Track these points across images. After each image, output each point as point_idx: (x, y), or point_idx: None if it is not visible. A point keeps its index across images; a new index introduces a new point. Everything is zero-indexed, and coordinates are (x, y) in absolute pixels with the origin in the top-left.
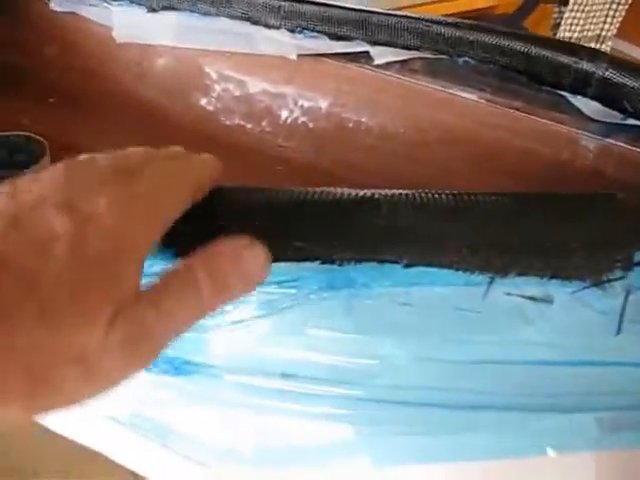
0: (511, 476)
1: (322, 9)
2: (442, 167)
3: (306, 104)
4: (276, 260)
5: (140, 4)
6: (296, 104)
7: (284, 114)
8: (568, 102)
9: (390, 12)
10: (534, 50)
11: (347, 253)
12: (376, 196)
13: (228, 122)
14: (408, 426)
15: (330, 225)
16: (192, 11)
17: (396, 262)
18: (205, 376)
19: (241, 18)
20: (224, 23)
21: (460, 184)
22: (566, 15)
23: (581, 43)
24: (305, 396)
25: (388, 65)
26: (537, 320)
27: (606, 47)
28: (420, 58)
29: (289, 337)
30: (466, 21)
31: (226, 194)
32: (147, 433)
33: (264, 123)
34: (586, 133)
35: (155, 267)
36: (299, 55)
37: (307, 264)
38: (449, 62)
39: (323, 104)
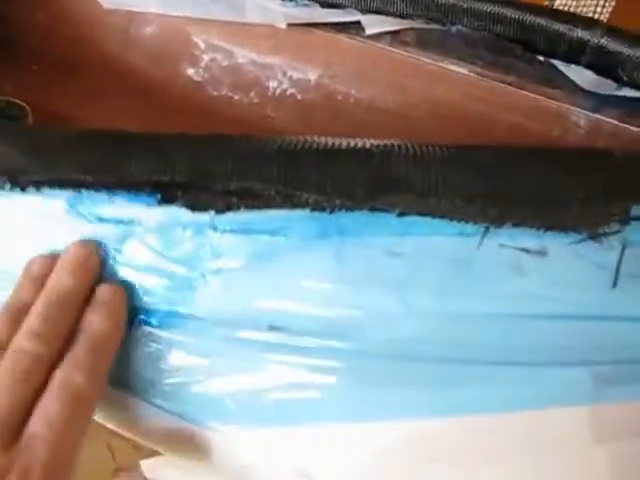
0: (504, 430)
1: None
2: (431, 141)
3: (295, 75)
4: (265, 207)
5: None
6: (285, 75)
7: (272, 85)
8: (561, 76)
9: None
10: (529, 18)
11: (338, 200)
12: (369, 146)
13: (216, 93)
14: (399, 380)
15: (321, 172)
16: None
17: (389, 211)
18: (190, 328)
19: None
20: None
21: None
22: (557, 2)
23: None
24: (294, 349)
25: (379, 37)
26: (532, 272)
27: None
28: (412, 29)
29: (277, 287)
30: None
31: (216, 141)
32: (128, 387)
33: (252, 94)
34: (578, 109)
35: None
36: (288, 24)
37: (297, 211)
38: (441, 34)
39: (312, 75)
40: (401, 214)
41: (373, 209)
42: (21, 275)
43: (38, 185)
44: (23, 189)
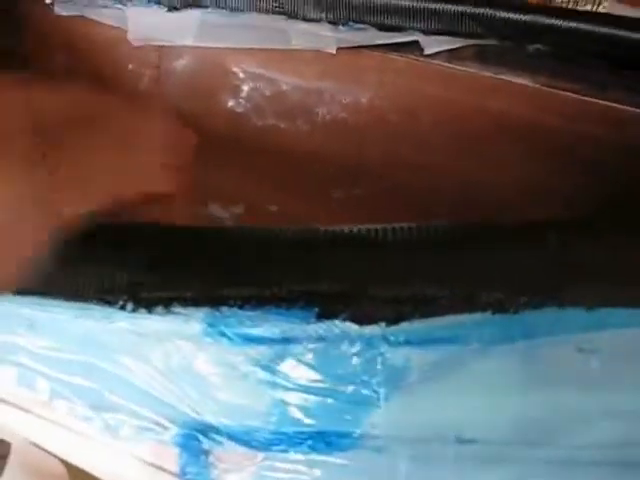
0: None
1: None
2: (498, 159)
3: (345, 99)
4: (442, 313)
5: (159, 3)
6: (334, 99)
7: (321, 111)
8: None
9: None
10: (620, 33)
11: (522, 298)
12: (539, 229)
13: (260, 123)
14: None
15: (501, 267)
16: (219, 7)
17: (577, 305)
18: (366, 449)
19: (274, 12)
20: (253, 18)
21: (518, 174)
22: None
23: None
24: (486, 461)
25: (434, 54)
26: None
27: (602, 9)
28: (472, 45)
29: (462, 397)
30: (535, 3)
31: (373, 239)
32: None
33: (299, 122)
34: None
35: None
36: (338, 48)
37: (477, 315)
38: (500, 47)
39: (364, 98)
40: (591, 308)
41: (561, 305)
42: None
43: (167, 303)
44: (149, 309)
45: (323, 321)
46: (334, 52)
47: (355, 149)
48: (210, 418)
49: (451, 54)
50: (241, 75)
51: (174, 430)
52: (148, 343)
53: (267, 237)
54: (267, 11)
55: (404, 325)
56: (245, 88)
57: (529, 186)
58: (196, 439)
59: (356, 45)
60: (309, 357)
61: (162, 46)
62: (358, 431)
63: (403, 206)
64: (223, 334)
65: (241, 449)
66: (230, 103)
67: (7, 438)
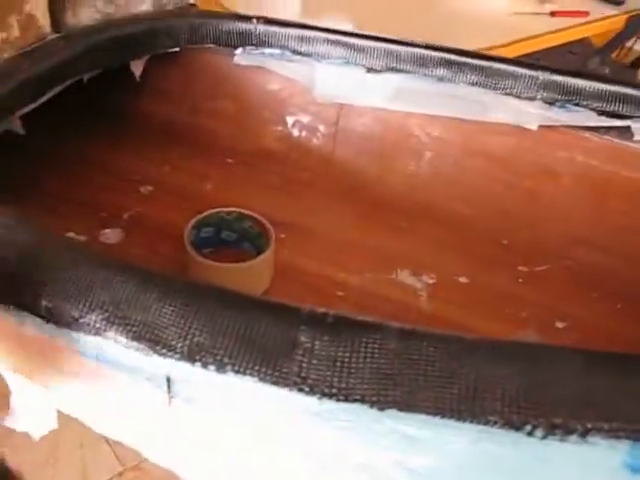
0: None
1: (598, 85)
2: None
3: (533, 174)
4: None
5: (356, 64)
6: (522, 173)
7: (508, 181)
8: None
9: None
10: None
11: None
12: None
13: (444, 191)
14: None
15: None
16: (426, 75)
17: None
18: None
19: (487, 86)
20: (456, 89)
21: None
22: None
23: None
24: None
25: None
26: None
27: None
28: None
29: None
30: None
31: None
32: None
33: (485, 190)
34: None
35: None
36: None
37: None
38: None
39: (554, 175)
40: None
41: None
42: None
43: (585, 432)
44: (563, 437)
45: None
46: (535, 128)
47: (541, 225)
48: None
49: None
50: (424, 139)
51: None
52: (556, 469)
53: None
54: (480, 85)
55: None
56: (428, 153)
57: None
58: None
59: (558, 124)
60: None
61: (343, 104)
62: None
63: (582, 283)
64: None
65: None
66: (411, 167)
67: None
